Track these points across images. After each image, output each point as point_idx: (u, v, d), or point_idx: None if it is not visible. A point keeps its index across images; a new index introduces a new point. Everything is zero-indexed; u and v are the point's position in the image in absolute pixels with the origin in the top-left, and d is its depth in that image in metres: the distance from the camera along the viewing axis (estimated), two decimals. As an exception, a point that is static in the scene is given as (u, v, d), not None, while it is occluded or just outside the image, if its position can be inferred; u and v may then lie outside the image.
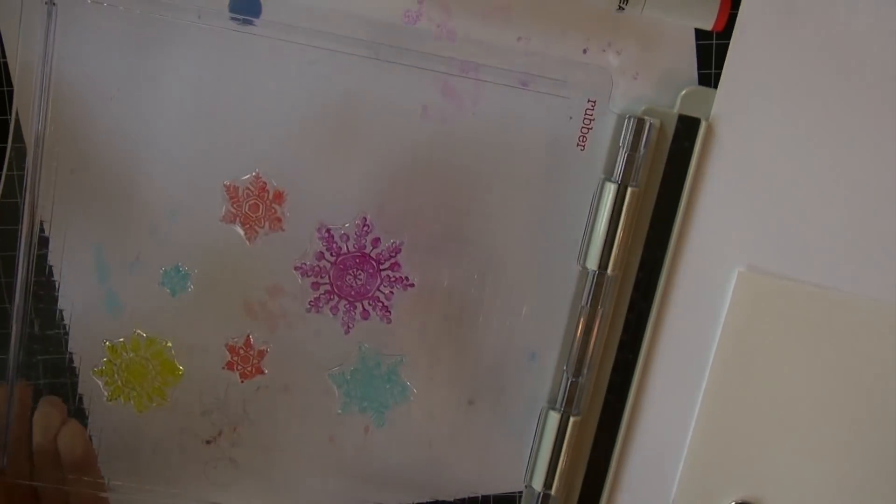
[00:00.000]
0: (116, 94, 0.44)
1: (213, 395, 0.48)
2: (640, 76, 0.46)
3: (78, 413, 0.48)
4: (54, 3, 0.41)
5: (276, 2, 0.44)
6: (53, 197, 0.45)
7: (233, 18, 0.43)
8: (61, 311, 0.46)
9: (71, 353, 0.47)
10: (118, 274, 0.46)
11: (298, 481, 0.49)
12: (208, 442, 0.48)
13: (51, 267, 0.46)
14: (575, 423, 0.48)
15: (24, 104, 0.44)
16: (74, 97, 0.44)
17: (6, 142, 0.45)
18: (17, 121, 0.44)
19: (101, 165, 0.45)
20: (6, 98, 0.45)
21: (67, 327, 0.47)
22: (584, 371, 0.47)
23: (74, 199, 0.45)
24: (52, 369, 0.47)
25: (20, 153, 0.44)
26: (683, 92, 0.46)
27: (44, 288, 0.46)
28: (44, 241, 0.45)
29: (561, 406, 0.48)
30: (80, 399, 0.48)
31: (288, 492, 0.50)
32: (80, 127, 0.45)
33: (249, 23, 0.43)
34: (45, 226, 0.45)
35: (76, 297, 0.46)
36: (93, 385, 0.47)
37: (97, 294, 0.46)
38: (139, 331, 0.46)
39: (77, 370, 0.47)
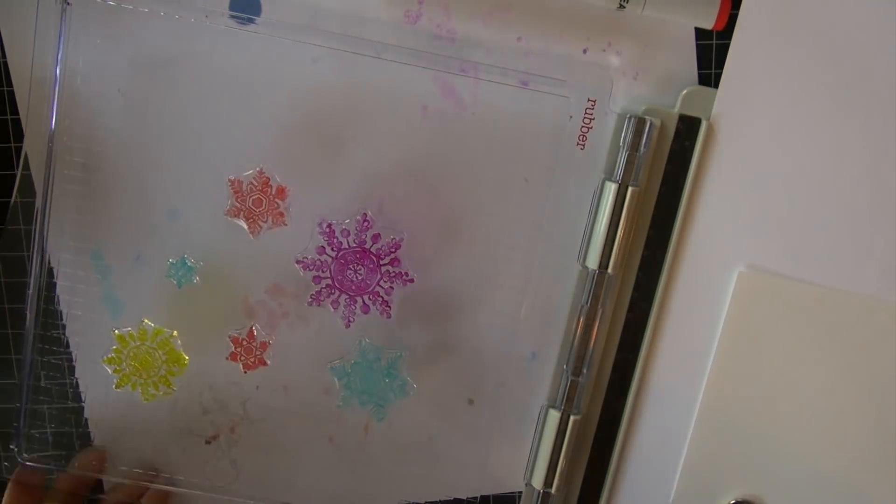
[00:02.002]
0: (123, 88, 0.45)
1: (214, 392, 0.49)
2: (641, 76, 0.46)
3: (77, 411, 0.49)
4: (68, 3, 0.43)
5: (274, 2, 0.45)
6: (51, 197, 0.46)
7: (232, 17, 0.45)
8: (62, 312, 0.48)
9: (72, 352, 0.48)
10: (119, 271, 0.47)
11: (298, 481, 0.50)
12: (208, 442, 0.50)
13: (52, 268, 0.47)
14: (575, 421, 0.48)
15: (36, 102, 0.45)
16: (84, 94, 0.45)
17: (8, 142, 0.47)
18: (17, 120, 0.46)
19: (109, 161, 0.46)
20: (6, 98, 0.46)
21: (67, 328, 0.48)
22: (585, 370, 0.47)
23: (76, 198, 0.47)
24: (52, 368, 0.49)
25: (26, 154, 0.46)
26: (684, 91, 0.46)
27: (45, 289, 0.47)
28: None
29: (561, 405, 0.48)
30: (83, 401, 0.49)
31: (288, 491, 0.50)
32: (90, 123, 0.46)
33: (251, 21, 0.45)
34: (47, 228, 0.47)
35: (77, 296, 0.48)
36: (94, 383, 0.49)
37: (98, 292, 0.48)
38: (146, 320, 0.48)
39: (75, 370, 0.49)
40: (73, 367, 0.49)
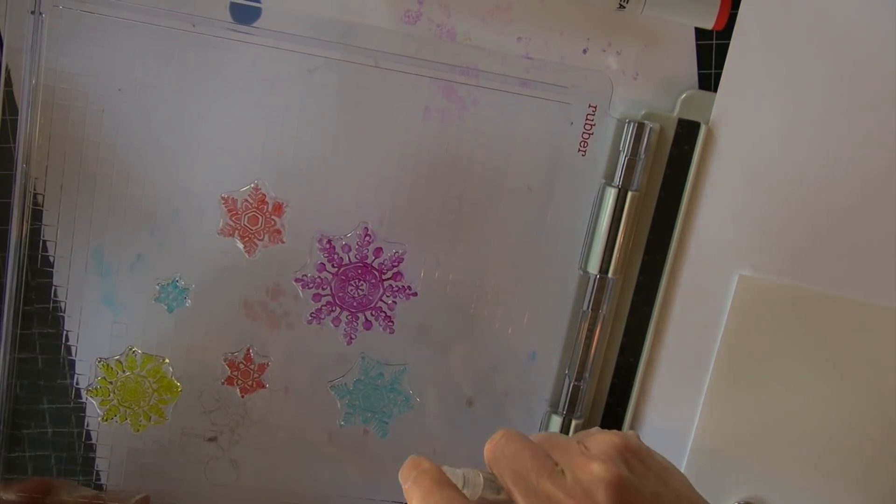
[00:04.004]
0: (105, 107, 0.42)
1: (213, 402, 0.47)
2: (641, 76, 0.45)
3: (79, 416, 0.46)
4: (41, 13, 0.39)
5: (274, 9, 0.42)
6: (46, 200, 0.43)
7: (229, 27, 0.41)
8: (63, 315, 0.45)
9: (72, 348, 0.45)
10: (116, 277, 0.45)
11: (298, 481, 0.49)
12: (209, 441, 0.47)
13: (51, 268, 0.44)
14: (577, 426, 0.48)
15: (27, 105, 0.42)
16: (66, 107, 0.42)
17: (8, 142, 0.43)
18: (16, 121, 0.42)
19: (93, 178, 0.43)
20: (5, 98, 0.43)
21: (67, 330, 0.45)
22: (586, 374, 0.47)
23: (69, 207, 0.44)
24: (51, 369, 0.45)
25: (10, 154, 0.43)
26: (683, 95, 0.45)
27: (44, 288, 0.44)
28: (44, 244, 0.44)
29: (563, 410, 0.48)
30: (85, 404, 0.46)
31: (288, 491, 0.49)
32: (73, 137, 0.43)
33: (246, 31, 0.42)
34: (46, 230, 0.44)
35: (77, 297, 0.45)
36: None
37: (98, 293, 0.45)
38: (135, 348, 0.45)
39: (76, 373, 0.46)
40: (74, 369, 0.46)
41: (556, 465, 0.35)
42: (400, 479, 0.35)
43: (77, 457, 0.47)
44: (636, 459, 0.36)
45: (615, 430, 0.38)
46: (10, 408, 0.46)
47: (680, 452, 0.49)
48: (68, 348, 0.45)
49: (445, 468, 0.35)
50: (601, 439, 0.37)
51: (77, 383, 0.46)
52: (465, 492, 0.34)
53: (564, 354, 0.48)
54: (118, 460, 0.47)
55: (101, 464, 0.47)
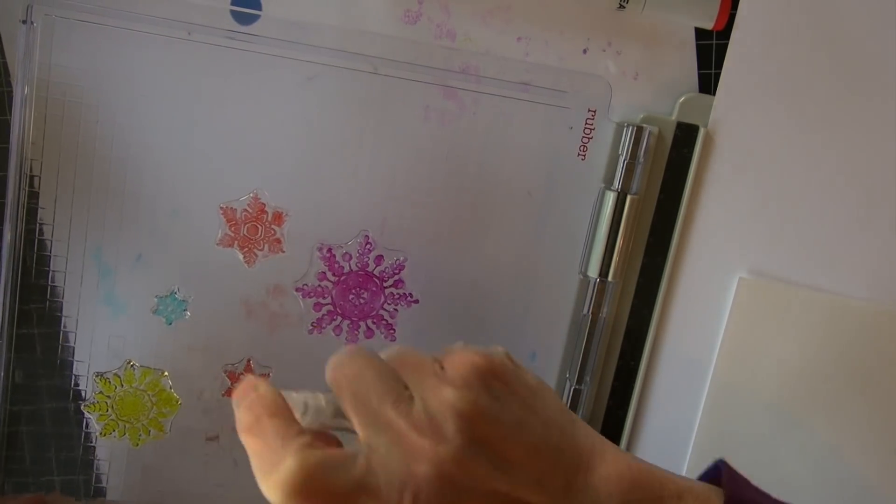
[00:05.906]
0: (101, 118, 0.41)
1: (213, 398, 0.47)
2: (641, 76, 0.45)
3: (78, 412, 0.46)
4: (32, 22, 0.38)
5: (272, 16, 0.41)
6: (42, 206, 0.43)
7: (227, 35, 0.41)
8: (63, 314, 0.44)
9: (72, 347, 0.45)
10: (116, 278, 0.44)
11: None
12: (209, 440, 0.47)
13: (51, 270, 0.44)
14: (578, 429, 0.48)
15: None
16: (59, 117, 0.41)
17: (7, 142, 0.42)
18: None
19: (89, 189, 0.42)
20: (5, 98, 0.42)
21: (68, 330, 0.44)
22: (587, 378, 0.48)
23: (65, 213, 0.43)
24: (51, 368, 0.45)
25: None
26: (682, 99, 0.45)
27: (42, 289, 0.44)
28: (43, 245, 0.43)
29: (563, 413, 0.48)
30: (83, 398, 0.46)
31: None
32: (68, 147, 0.42)
33: (244, 38, 0.41)
34: (46, 229, 0.43)
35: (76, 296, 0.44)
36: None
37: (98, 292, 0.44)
38: (133, 361, 0.44)
39: (75, 367, 0.45)
40: (73, 371, 0.45)
41: (406, 388, 0.30)
42: (232, 403, 0.31)
43: (77, 458, 0.46)
44: (500, 382, 0.31)
45: (479, 349, 0.32)
46: (8, 409, 0.45)
47: (681, 454, 0.49)
48: (67, 350, 0.44)
49: (285, 393, 0.31)
50: (460, 359, 0.31)
51: (78, 393, 0.45)
52: (305, 419, 0.30)
53: (565, 358, 0.48)
54: (118, 461, 0.47)
55: (101, 465, 0.47)
